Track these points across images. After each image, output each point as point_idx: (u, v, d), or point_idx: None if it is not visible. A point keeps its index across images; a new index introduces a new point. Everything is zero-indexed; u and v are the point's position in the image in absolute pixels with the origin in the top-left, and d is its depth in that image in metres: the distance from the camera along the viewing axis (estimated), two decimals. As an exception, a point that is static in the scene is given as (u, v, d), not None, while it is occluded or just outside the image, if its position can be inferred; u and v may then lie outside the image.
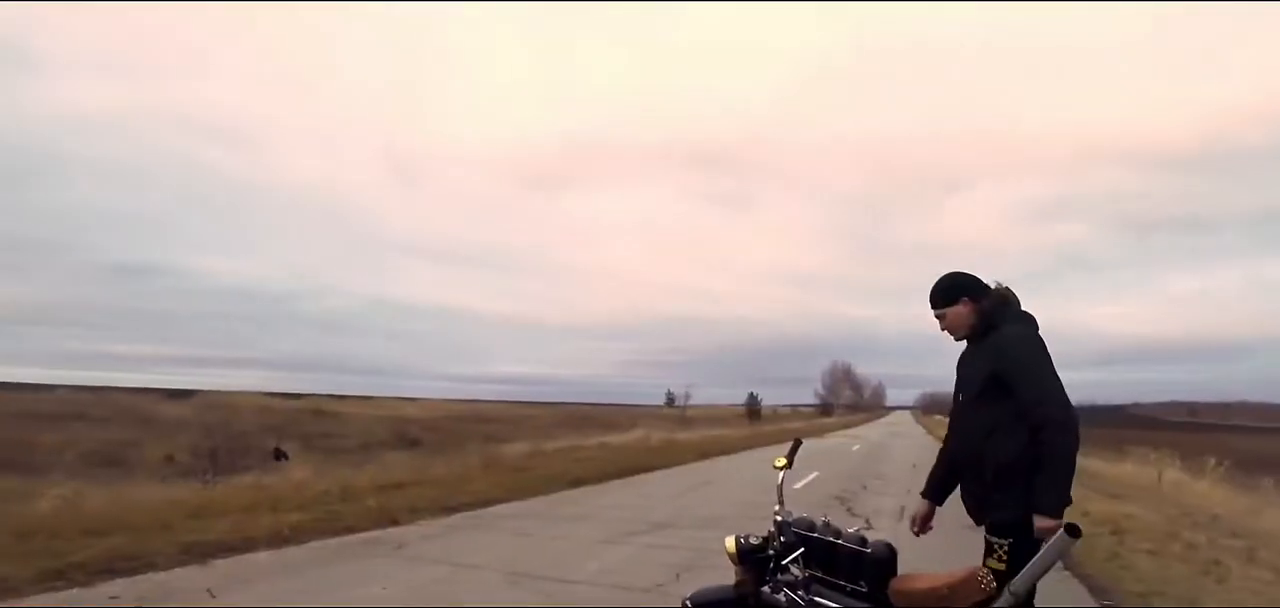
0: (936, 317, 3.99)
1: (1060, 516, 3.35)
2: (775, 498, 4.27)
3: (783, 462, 4.35)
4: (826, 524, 4.02)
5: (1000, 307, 3.81)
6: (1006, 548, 3.58)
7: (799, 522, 4.09)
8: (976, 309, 3.85)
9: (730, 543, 4.21)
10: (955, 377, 4.07)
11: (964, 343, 4.02)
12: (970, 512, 3.85)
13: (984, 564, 3.55)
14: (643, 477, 18.13)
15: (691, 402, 79.63)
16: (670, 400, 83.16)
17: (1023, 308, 3.87)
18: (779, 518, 4.14)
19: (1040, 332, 3.78)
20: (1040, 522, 3.39)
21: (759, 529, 4.22)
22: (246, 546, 8.52)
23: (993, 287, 3.89)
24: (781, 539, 4.02)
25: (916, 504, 4.24)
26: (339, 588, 6.91)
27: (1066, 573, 8.28)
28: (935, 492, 4.12)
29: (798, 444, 4.49)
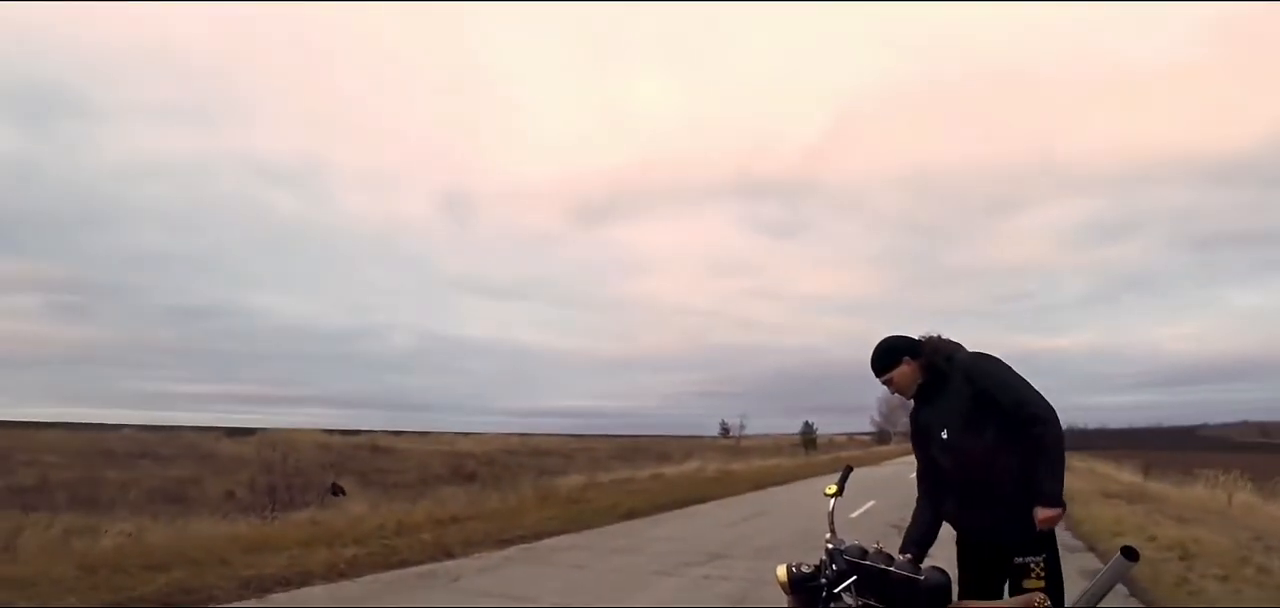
0: (883, 383, 4.11)
1: (1059, 503, 3.46)
2: (827, 526, 4.23)
3: (833, 490, 4.30)
4: (879, 551, 3.96)
5: (939, 351, 3.95)
6: (1042, 563, 3.59)
7: (851, 550, 4.02)
8: (919, 364, 3.98)
9: (782, 572, 4.16)
10: (914, 433, 4.19)
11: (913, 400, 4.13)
12: (990, 541, 3.83)
13: (1021, 587, 3.52)
14: (697, 508, 18.05)
15: (745, 431, 79.23)
16: (724, 431, 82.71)
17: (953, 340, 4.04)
18: (831, 546, 4.09)
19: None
20: (1042, 513, 3.48)
21: (813, 559, 4.18)
22: (303, 579, 8.61)
23: (919, 339, 4.04)
24: (833, 568, 3.96)
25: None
26: (394, 621, 6.95)
27: (1133, 600, 8.07)
28: (917, 549, 4.07)
29: (849, 471, 4.43)
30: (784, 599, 4.23)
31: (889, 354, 4.07)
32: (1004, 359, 3.86)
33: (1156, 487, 25.90)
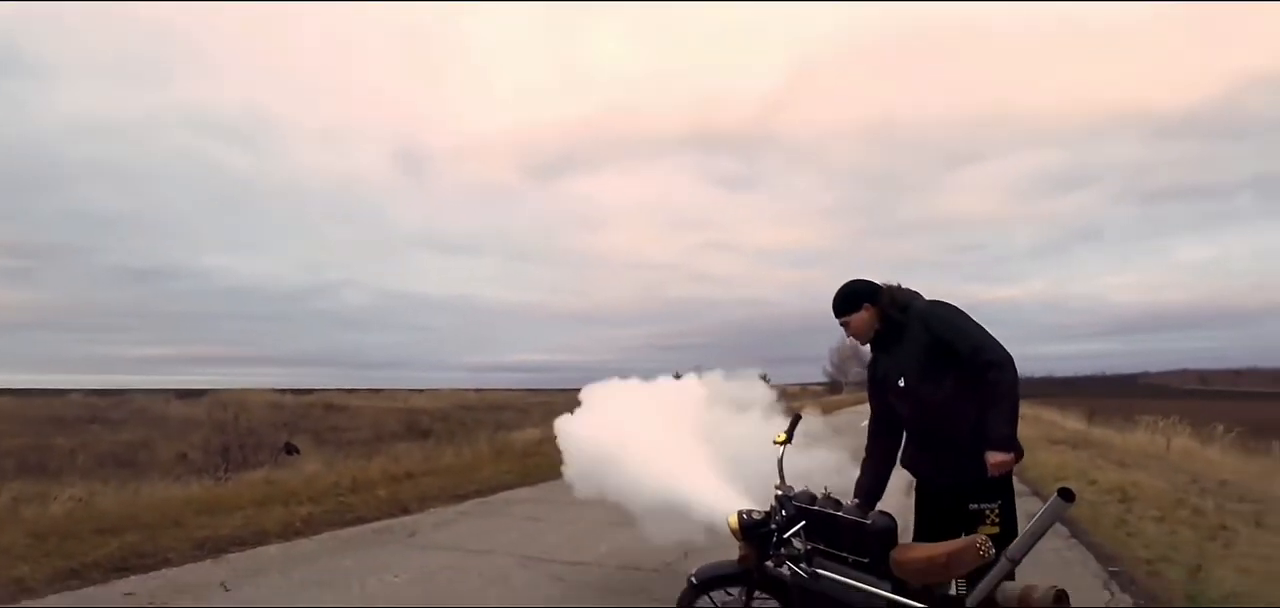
0: (841, 325, 4.19)
1: (1010, 449, 3.54)
2: (776, 473, 4.31)
3: (782, 438, 4.39)
4: (827, 497, 4.06)
5: (895, 301, 4.00)
6: (997, 510, 3.67)
7: (800, 496, 4.13)
8: (877, 311, 4.04)
9: (733, 519, 4.25)
10: (871, 380, 4.26)
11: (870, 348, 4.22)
12: (946, 487, 3.90)
13: (977, 532, 3.61)
14: (653, 459, 18.16)
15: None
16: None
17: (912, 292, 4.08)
18: (780, 493, 4.19)
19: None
20: (993, 457, 3.56)
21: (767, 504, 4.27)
22: (258, 539, 8.60)
23: (880, 286, 4.09)
24: (783, 514, 4.07)
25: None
26: (351, 577, 6.98)
27: (1073, 540, 8.32)
28: (868, 496, 4.17)
29: (797, 419, 4.52)
30: (736, 545, 4.33)
31: (851, 298, 4.13)
32: (961, 307, 3.92)
33: (1100, 433, 26.54)
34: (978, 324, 3.80)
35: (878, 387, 4.21)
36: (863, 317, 4.09)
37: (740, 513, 4.26)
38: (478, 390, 67.39)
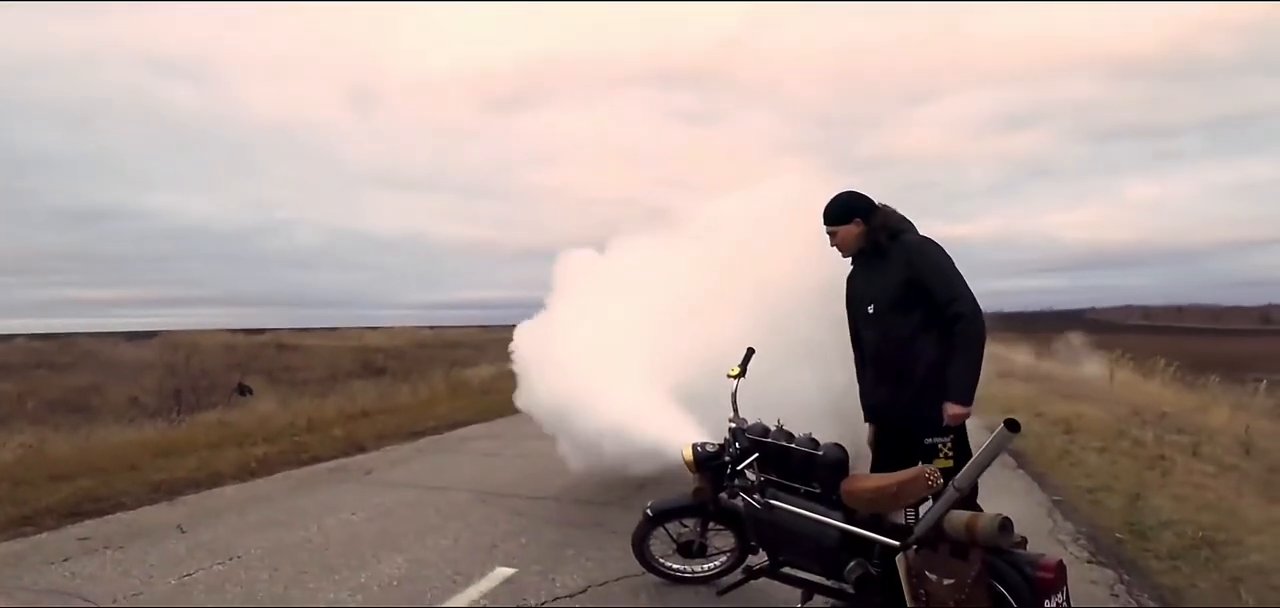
0: (828, 233, 4.19)
1: (970, 402, 3.63)
2: (730, 407, 4.39)
3: (736, 371, 4.46)
4: (780, 429, 4.15)
5: (886, 225, 4.02)
6: (950, 444, 3.75)
7: (753, 428, 4.21)
8: (866, 229, 4.05)
9: (687, 452, 4.33)
10: (848, 297, 4.28)
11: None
12: (897, 419, 3.99)
13: (930, 464, 3.70)
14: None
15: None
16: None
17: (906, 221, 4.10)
18: (733, 426, 4.26)
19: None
20: (951, 409, 3.65)
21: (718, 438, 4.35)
22: (213, 481, 8.55)
23: (876, 204, 4.08)
24: (737, 446, 4.15)
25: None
26: (308, 516, 6.98)
27: (1019, 470, 8.55)
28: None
29: (750, 353, 4.59)
30: (691, 477, 4.41)
31: (844, 209, 4.12)
32: (946, 250, 3.92)
33: (1047, 366, 27.12)
34: (958, 272, 3.83)
35: (852, 306, 4.24)
36: (851, 230, 4.09)
37: (695, 446, 4.34)
38: (432, 327, 67.04)
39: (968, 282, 3.81)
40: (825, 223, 4.17)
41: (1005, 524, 3.17)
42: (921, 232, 4.05)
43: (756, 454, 4.05)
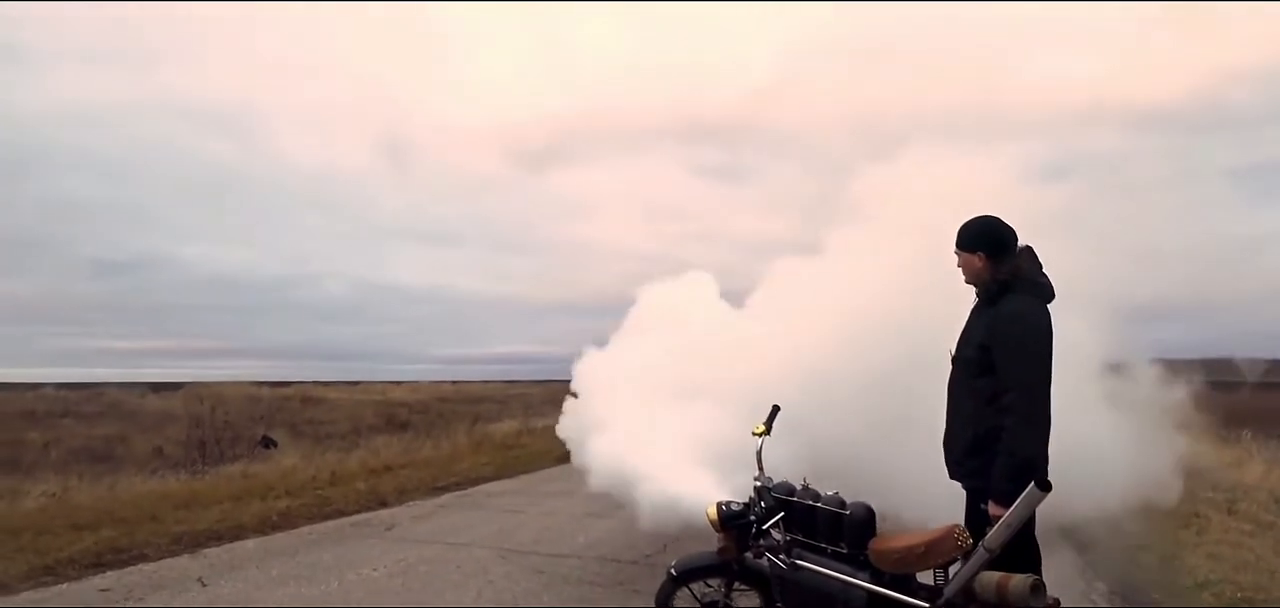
0: (956, 252, 3.89)
1: (1009, 505, 3.24)
2: (755, 465, 4.32)
3: (761, 429, 4.41)
4: (806, 488, 4.08)
5: (1015, 274, 3.68)
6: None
7: (779, 487, 4.15)
8: (989, 268, 3.73)
9: (712, 510, 4.26)
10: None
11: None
12: (948, 469, 3.91)
13: (966, 522, 3.62)
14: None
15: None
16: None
17: (1042, 274, 3.75)
18: (759, 484, 4.20)
19: (1049, 304, 3.67)
20: (992, 508, 3.40)
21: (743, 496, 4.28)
22: (235, 534, 8.54)
23: (1011, 244, 3.74)
24: (762, 505, 4.08)
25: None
26: (329, 571, 6.95)
27: (1044, 527, 8.39)
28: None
29: (776, 410, 4.53)
30: (715, 536, 4.34)
31: (970, 236, 3.83)
32: (1042, 331, 3.58)
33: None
34: (1035, 365, 3.52)
35: (958, 345, 3.94)
36: (972, 261, 3.80)
37: (719, 504, 4.27)
38: (455, 383, 67.13)
39: (1048, 379, 3.53)
40: (956, 248, 3.89)
41: (1037, 586, 3.09)
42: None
43: (782, 513, 3.98)
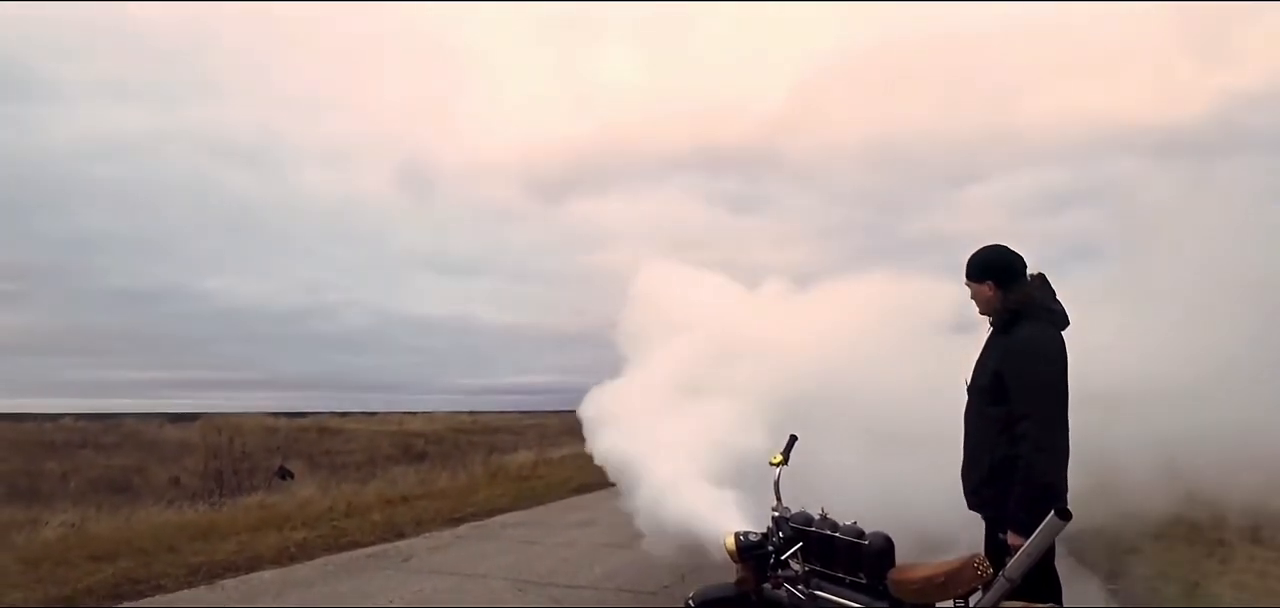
0: (967, 284, 3.93)
1: (1028, 534, 3.24)
2: (773, 495, 4.30)
3: (779, 459, 4.39)
4: (824, 518, 4.06)
5: (1025, 302, 3.68)
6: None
7: (797, 517, 4.13)
8: (1000, 297, 3.75)
9: (730, 541, 4.24)
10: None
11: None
12: (966, 498, 3.90)
13: (986, 552, 3.60)
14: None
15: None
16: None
17: (1054, 300, 3.75)
18: (776, 514, 4.18)
19: (1063, 331, 3.67)
20: (1011, 538, 3.42)
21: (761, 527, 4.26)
22: (252, 565, 8.55)
23: (1029, 275, 3.76)
24: (780, 535, 4.06)
25: None
26: (345, 602, 6.96)
27: (1068, 557, 8.30)
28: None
29: (793, 440, 4.51)
30: (731, 567, 4.32)
31: (979, 266, 3.87)
32: (1054, 357, 3.58)
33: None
34: (1049, 393, 3.52)
35: (973, 374, 3.95)
36: (982, 291, 3.83)
37: (737, 534, 4.26)
38: (472, 414, 67.09)
39: (1063, 405, 3.53)
40: (966, 280, 3.93)
41: (1058, 615, 3.08)
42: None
43: (800, 543, 3.96)
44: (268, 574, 8.22)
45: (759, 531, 4.27)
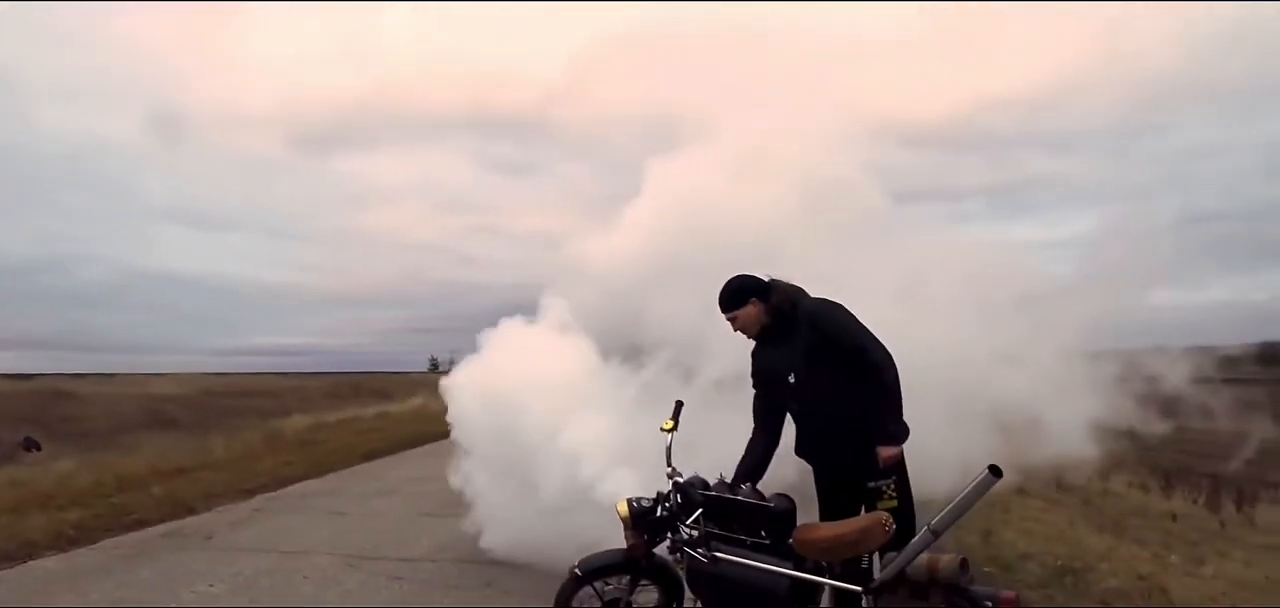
0: (728, 320, 4.28)
1: (899, 441, 3.84)
2: (665, 460, 4.31)
3: (670, 424, 4.40)
4: (722, 482, 4.12)
5: (791, 292, 4.14)
6: (893, 485, 3.90)
7: (694, 481, 4.15)
8: (766, 307, 4.14)
9: (623, 507, 4.23)
10: (757, 373, 4.35)
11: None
12: (838, 473, 4.15)
13: (875, 508, 3.82)
14: (436, 444, 17.71)
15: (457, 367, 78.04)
16: (434, 366, 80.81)
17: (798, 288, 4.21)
18: (673, 479, 4.20)
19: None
20: (883, 452, 3.83)
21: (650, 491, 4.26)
22: (26, 553, 7.64)
23: (768, 281, 4.18)
24: (677, 499, 4.09)
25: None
26: (158, 589, 6.36)
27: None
28: (750, 478, 4.25)
29: (680, 405, 4.52)
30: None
31: (738, 294, 4.20)
32: (845, 307, 4.06)
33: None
34: (861, 324, 3.99)
35: (765, 380, 4.31)
36: (750, 311, 4.18)
37: (629, 501, 4.24)
38: (221, 374, 63.36)
39: (873, 332, 3.99)
40: (723, 311, 4.28)
41: (964, 563, 3.30)
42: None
43: (701, 508, 3.99)
44: (49, 563, 7.36)
45: (650, 498, 4.27)
